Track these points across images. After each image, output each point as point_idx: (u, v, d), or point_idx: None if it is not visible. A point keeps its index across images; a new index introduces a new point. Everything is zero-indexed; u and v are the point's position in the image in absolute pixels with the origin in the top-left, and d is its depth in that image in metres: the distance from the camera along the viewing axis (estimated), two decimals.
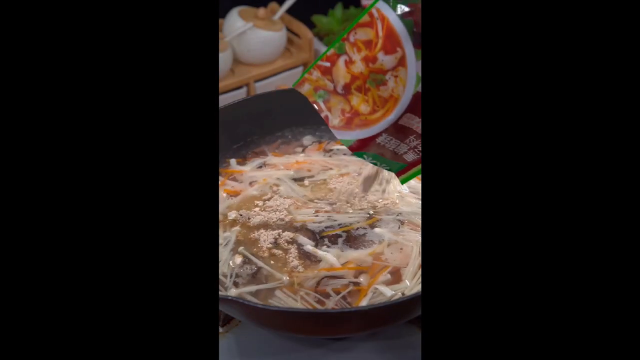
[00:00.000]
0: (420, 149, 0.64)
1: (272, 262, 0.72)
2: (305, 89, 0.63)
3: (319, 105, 0.63)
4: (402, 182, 0.69)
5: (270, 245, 0.74)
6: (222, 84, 1.14)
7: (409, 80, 0.58)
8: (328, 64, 0.61)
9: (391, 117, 0.62)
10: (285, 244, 0.75)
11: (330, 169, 0.86)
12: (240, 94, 1.18)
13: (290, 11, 1.23)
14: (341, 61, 0.60)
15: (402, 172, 0.67)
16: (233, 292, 0.69)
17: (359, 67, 0.59)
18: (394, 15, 0.55)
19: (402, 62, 0.57)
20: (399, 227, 0.76)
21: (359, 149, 0.65)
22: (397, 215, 0.78)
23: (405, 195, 0.81)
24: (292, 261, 0.72)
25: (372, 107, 0.62)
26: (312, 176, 0.85)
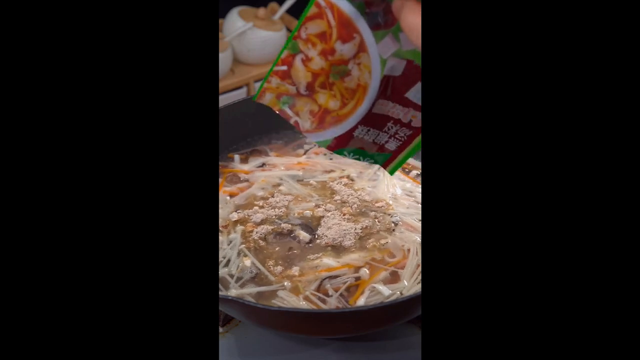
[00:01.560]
0: (401, 135, 0.61)
1: (265, 254, 0.73)
2: (267, 99, 0.59)
3: (285, 113, 0.59)
4: (391, 172, 0.65)
5: (261, 237, 0.75)
6: (222, 84, 1.14)
7: (373, 65, 0.55)
8: (285, 67, 0.56)
9: (363, 107, 0.58)
10: (280, 238, 0.75)
11: (332, 170, 0.86)
12: (240, 94, 1.18)
13: (290, 11, 1.23)
14: (298, 61, 0.55)
15: (388, 162, 0.65)
16: (233, 292, 0.69)
17: (318, 62, 0.55)
18: (343, 1, 0.51)
19: (362, 47, 0.53)
20: (394, 228, 0.77)
21: (337, 146, 0.62)
22: (392, 216, 0.78)
23: (398, 196, 0.82)
24: (287, 252, 0.72)
25: (342, 101, 0.58)
26: (313, 177, 0.85)
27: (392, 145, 0.63)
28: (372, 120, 0.60)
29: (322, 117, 0.59)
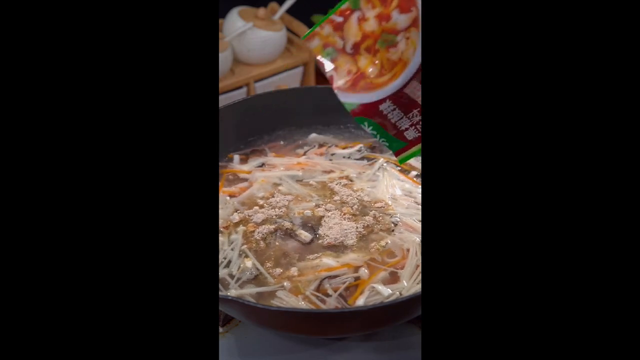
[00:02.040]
0: (421, 127, 0.63)
1: (265, 254, 0.73)
2: (314, 44, 0.61)
3: (324, 63, 0.62)
4: (401, 161, 0.68)
5: (262, 237, 0.75)
6: (222, 84, 1.14)
7: (419, 44, 0.57)
8: (341, 19, 0.59)
9: (397, 83, 0.60)
10: (281, 237, 0.75)
11: (332, 171, 0.86)
12: (240, 94, 1.18)
13: (290, 11, 1.23)
14: (354, 17, 0.59)
15: (401, 151, 0.66)
16: (233, 292, 0.69)
17: (371, 25, 0.58)
18: None
19: (415, 23, 0.56)
20: (393, 229, 0.76)
21: (361, 113, 0.63)
22: (391, 216, 0.78)
23: (398, 197, 0.82)
24: (288, 258, 0.72)
25: (380, 70, 0.61)
26: (312, 177, 0.85)
27: (410, 135, 0.64)
28: (401, 99, 0.62)
29: (357, 79, 0.61)
